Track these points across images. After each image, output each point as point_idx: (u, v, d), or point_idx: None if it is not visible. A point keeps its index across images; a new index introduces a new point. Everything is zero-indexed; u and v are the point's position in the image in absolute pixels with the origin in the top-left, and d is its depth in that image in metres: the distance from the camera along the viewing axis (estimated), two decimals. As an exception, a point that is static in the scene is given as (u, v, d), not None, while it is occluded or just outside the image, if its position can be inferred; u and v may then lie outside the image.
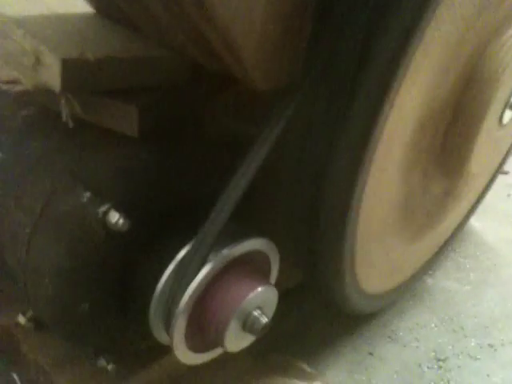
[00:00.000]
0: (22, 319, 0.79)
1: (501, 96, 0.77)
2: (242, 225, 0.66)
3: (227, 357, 0.88)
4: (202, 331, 0.64)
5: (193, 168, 0.65)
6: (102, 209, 0.58)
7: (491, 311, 1.08)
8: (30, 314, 0.79)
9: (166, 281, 0.61)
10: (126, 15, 0.69)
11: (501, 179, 1.24)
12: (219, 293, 0.62)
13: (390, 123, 0.64)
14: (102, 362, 0.68)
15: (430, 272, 1.16)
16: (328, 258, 0.74)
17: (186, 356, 0.64)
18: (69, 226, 0.59)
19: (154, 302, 0.62)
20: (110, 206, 0.58)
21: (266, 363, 0.90)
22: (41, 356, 0.77)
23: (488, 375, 0.94)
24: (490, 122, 0.79)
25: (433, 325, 1.04)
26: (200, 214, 0.62)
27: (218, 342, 0.63)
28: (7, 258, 0.66)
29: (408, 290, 1.08)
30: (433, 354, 0.97)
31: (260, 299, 0.64)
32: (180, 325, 0.61)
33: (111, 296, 0.63)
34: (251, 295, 0.62)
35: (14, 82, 0.64)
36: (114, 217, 0.57)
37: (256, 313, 0.63)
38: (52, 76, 0.60)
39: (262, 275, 0.66)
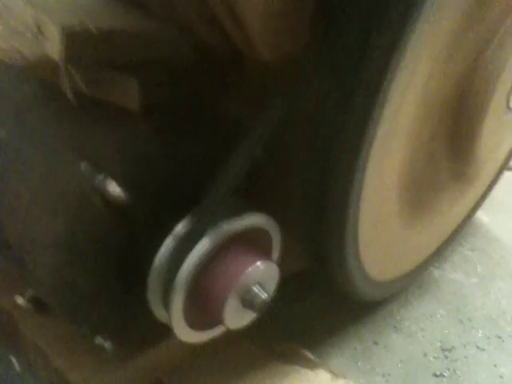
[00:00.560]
0: (20, 300, 0.78)
1: (506, 78, 0.76)
2: (243, 201, 0.65)
3: (230, 343, 0.88)
4: (202, 308, 0.62)
5: (194, 144, 0.64)
6: (100, 179, 0.57)
7: (499, 303, 1.06)
8: (28, 295, 0.78)
9: (163, 255, 0.60)
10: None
11: (509, 174, 1.23)
12: (218, 267, 0.61)
13: (394, 103, 0.64)
14: (99, 340, 0.67)
15: (437, 264, 1.14)
16: (331, 240, 0.73)
17: (184, 333, 0.63)
18: (66, 196, 0.59)
19: (151, 277, 0.61)
20: (108, 176, 0.57)
21: (269, 350, 0.88)
22: (39, 337, 0.76)
23: (495, 365, 0.92)
24: (496, 103, 0.78)
25: (439, 315, 1.02)
26: (200, 189, 0.61)
27: (217, 318, 0.62)
28: (7, 234, 0.65)
29: (415, 281, 1.06)
30: (439, 344, 0.95)
31: (260, 275, 0.63)
32: (178, 300, 0.60)
33: (110, 270, 0.62)
34: (250, 270, 0.61)
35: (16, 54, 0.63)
36: (112, 187, 0.56)
37: (256, 288, 0.62)
38: (53, 46, 0.59)
39: (263, 252, 0.64)
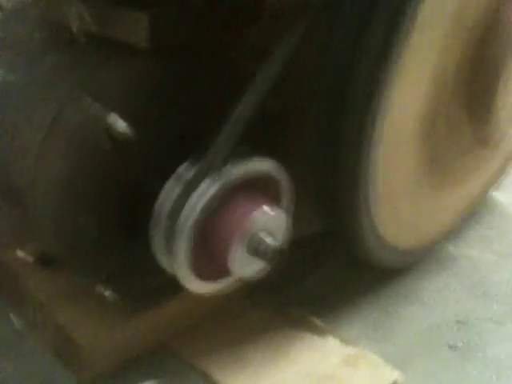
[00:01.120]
0: (21, 253, 0.76)
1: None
2: (251, 148, 0.63)
3: (239, 309, 0.86)
4: (207, 254, 0.60)
5: (203, 86, 0.62)
6: (108, 117, 0.55)
7: (516, 280, 1.02)
8: (31, 248, 0.76)
9: (166, 196, 0.58)
10: None
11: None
12: (222, 211, 0.58)
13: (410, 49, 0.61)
14: (100, 288, 0.64)
15: (453, 242, 1.10)
16: (343, 196, 0.70)
17: (190, 281, 0.61)
18: (76, 136, 0.58)
19: (153, 220, 0.59)
20: (116, 114, 0.55)
21: (276, 316, 0.86)
22: (40, 292, 0.74)
23: (511, 339, 0.88)
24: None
25: (454, 289, 0.98)
26: (206, 132, 0.59)
27: (223, 265, 0.59)
28: (14, 178, 0.64)
29: (431, 255, 1.03)
30: (453, 316, 0.92)
31: (267, 221, 0.60)
32: (181, 244, 0.57)
33: (117, 213, 0.60)
34: (256, 214, 0.58)
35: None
36: (120, 124, 0.55)
37: (262, 235, 0.59)
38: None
39: (271, 198, 0.62)
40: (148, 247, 0.61)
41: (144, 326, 0.74)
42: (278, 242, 0.60)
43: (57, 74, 0.62)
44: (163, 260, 0.61)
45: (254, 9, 0.68)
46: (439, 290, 0.98)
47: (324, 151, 0.66)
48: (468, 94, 0.75)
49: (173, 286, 0.64)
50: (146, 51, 0.58)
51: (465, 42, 0.72)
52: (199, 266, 0.60)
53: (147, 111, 0.57)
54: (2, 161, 0.64)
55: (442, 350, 0.84)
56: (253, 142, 0.65)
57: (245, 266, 0.60)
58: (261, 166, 0.61)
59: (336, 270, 0.97)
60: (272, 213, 0.61)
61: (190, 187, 0.57)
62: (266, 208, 0.60)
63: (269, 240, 0.59)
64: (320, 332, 0.83)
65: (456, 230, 1.09)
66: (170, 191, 0.58)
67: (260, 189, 0.62)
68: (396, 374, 0.77)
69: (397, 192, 0.77)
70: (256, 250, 0.59)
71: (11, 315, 0.81)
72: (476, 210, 1.15)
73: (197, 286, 0.62)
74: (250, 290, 0.88)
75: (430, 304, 0.94)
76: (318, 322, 0.85)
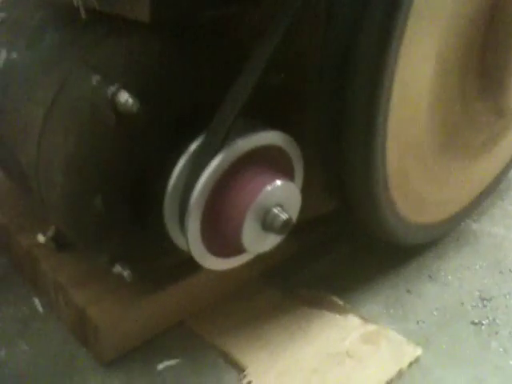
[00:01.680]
0: (41, 238, 0.77)
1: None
2: (260, 121, 0.62)
3: (254, 289, 0.86)
4: (220, 230, 0.60)
5: (208, 59, 0.61)
6: (111, 89, 0.55)
7: (541, 256, 0.99)
8: (50, 232, 0.77)
9: (178, 174, 0.58)
10: None
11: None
12: (234, 186, 0.58)
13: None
14: (117, 268, 0.65)
15: (475, 218, 1.08)
16: (361, 171, 0.69)
17: (204, 258, 0.61)
18: (79, 111, 0.57)
19: (166, 198, 0.59)
20: (119, 86, 0.55)
21: (296, 297, 0.85)
22: (60, 275, 0.75)
23: (543, 316, 0.86)
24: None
25: (478, 266, 0.96)
26: (214, 106, 0.58)
27: (236, 241, 0.59)
28: (21, 157, 0.64)
29: (452, 231, 1.01)
30: (477, 293, 0.90)
31: (280, 196, 0.59)
32: (194, 220, 0.57)
33: (125, 191, 0.59)
34: (269, 188, 0.58)
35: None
36: (124, 97, 0.54)
37: (276, 210, 0.59)
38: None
39: (283, 172, 0.61)
40: (162, 226, 0.61)
41: (161, 305, 0.74)
42: (291, 214, 0.60)
43: (58, 50, 0.61)
44: (177, 238, 0.61)
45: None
46: (462, 267, 0.96)
47: (336, 124, 0.65)
48: (481, 66, 0.72)
49: (189, 265, 0.64)
50: (147, 26, 0.57)
51: (475, 15, 0.70)
52: (213, 242, 0.60)
53: (150, 85, 0.57)
54: (8, 143, 0.64)
55: (465, 328, 0.83)
56: (263, 116, 0.64)
57: (258, 242, 0.60)
58: (270, 138, 0.61)
59: (350, 249, 0.96)
60: (285, 187, 0.60)
61: (200, 163, 0.56)
62: (279, 182, 0.59)
63: (282, 214, 0.59)
64: (340, 310, 0.83)
65: (478, 208, 1.07)
66: (181, 168, 0.58)
67: (272, 163, 0.61)
68: (418, 351, 0.76)
69: (411, 166, 0.75)
70: (270, 224, 0.58)
71: (34, 299, 0.82)
72: (499, 187, 1.13)
73: (211, 262, 0.61)
74: (268, 270, 0.88)
75: (452, 282, 0.92)
76: (337, 300, 0.85)
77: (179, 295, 0.76)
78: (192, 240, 0.58)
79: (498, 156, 0.97)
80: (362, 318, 0.81)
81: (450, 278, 0.93)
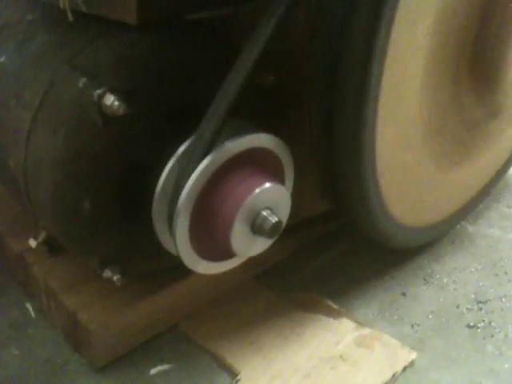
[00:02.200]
0: (32, 243, 0.77)
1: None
2: (250, 123, 0.62)
3: (250, 292, 0.85)
4: (209, 234, 0.59)
5: (196, 59, 0.61)
6: (98, 92, 0.54)
7: (538, 258, 0.98)
8: (42, 237, 0.77)
9: (166, 176, 0.57)
10: None
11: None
12: (224, 189, 0.57)
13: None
14: (107, 273, 0.64)
15: (471, 220, 1.07)
16: (352, 170, 0.68)
17: (193, 262, 0.60)
18: (65, 113, 0.57)
19: (155, 201, 0.58)
20: (106, 89, 0.54)
21: (290, 300, 0.84)
22: (51, 279, 0.75)
23: (535, 318, 0.85)
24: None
25: (473, 269, 0.96)
26: (205, 108, 0.58)
27: (225, 244, 0.58)
28: (10, 161, 0.63)
29: (446, 234, 1.00)
30: (473, 296, 0.89)
31: (269, 199, 0.59)
32: (182, 223, 0.57)
33: (114, 194, 0.59)
34: (258, 191, 0.57)
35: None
36: (110, 99, 0.54)
37: (265, 213, 0.58)
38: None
39: (273, 175, 0.61)
40: (152, 229, 0.61)
41: (153, 308, 0.73)
42: (280, 217, 0.59)
43: (47, 52, 0.61)
44: (166, 242, 0.61)
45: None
46: (457, 270, 0.95)
47: (325, 123, 0.64)
48: (474, 62, 0.71)
49: (182, 268, 0.64)
50: (135, 28, 0.57)
51: (466, 10, 0.69)
52: (202, 246, 0.59)
53: (137, 87, 0.56)
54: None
55: (461, 331, 0.82)
56: (256, 118, 0.64)
57: (248, 245, 0.59)
58: (260, 141, 0.60)
59: (344, 251, 0.96)
60: (275, 190, 0.59)
61: (188, 166, 0.56)
62: (268, 185, 0.59)
63: (271, 217, 0.58)
64: (334, 314, 0.82)
65: (473, 210, 1.06)
66: (169, 171, 0.57)
67: (262, 165, 0.61)
68: (413, 355, 0.76)
69: (402, 168, 0.74)
70: (259, 227, 0.58)
71: (27, 304, 0.82)
72: (495, 189, 1.13)
73: (201, 267, 0.61)
74: (261, 273, 0.88)
75: (448, 285, 0.92)
76: (331, 303, 0.84)
77: (172, 299, 0.76)
78: (180, 244, 0.57)
79: (493, 158, 0.97)
80: (356, 321, 0.81)
81: (445, 280, 0.93)
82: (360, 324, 0.80)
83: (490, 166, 0.98)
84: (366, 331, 0.79)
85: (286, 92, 0.69)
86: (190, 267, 0.60)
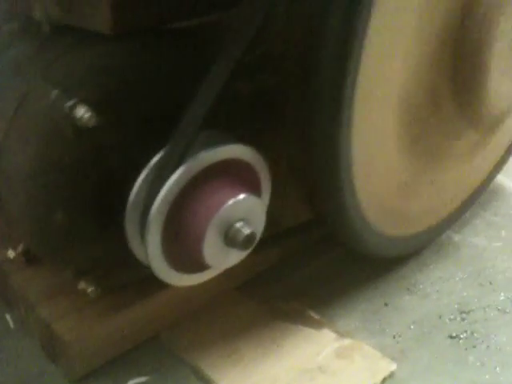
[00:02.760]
0: (11, 253, 0.76)
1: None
2: (225, 133, 0.62)
3: (231, 301, 0.85)
4: (182, 247, 0.59)
5: (170, 69, 0.60)
6: (69, 103, 0.54)
7: (524, 267, 0.98)
8: (21, 248, 0.76)
9: (139, 188, 0.57)
10: None
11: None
12: (196, 200, 0.57)
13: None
14: (82, 285, 0.64)
15: (457, 229, 1.07)
16: (327, 177, 0.67)
17: (165, 273, 0.60)
18: (37, 125, 0.57)
19: (128, 212, 0.58)
20: (77, 100, 0.54)
21: (270, 309, 0.84)
22: (28, 290, 0.74)
23: (518, 328, 0.85)
24: (503, 37, 0.71)
25: (457, 279, 0.95)
26: (177, 119, 0.58)
27: (198, 256, 0.58)
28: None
29: (428, 244, 1.00)
30: (456, 306, 0.89)
31: (243, 210, 0.59)
32: (154, 234, 0.56)
33: (86, 205, 0.59)
34: (231, 203, 0.57)
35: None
36: (80, 111, 0.54)
37: (238, 224, 0.58)
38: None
39: (248, 186, 0.60)
40: (125, 240, 0.60)
41: (132, 319, 0.73)
42: (255, 229, 0.59)
43: (22, 63, 0.61)
44: (139, 253, 0.60)
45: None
46: (441, 279, 0.95)
47: (301, 129, 0.64)
48: (453, 70, 0.71)
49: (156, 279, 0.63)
50: (110, 38, 0.57)
51: (444, 18, 0.68)
52: (176, 258, 0.59)
53: (110, 98, 0.56)
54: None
55: (442, 341, 0.82)
56: (233, 128, 0.64)
57: (221, 257, 0.59)
58: (234, 152, 0.60)
59: (328, 261, 0.95)
60: (249, 201, 0.59)
61: (160, 177, 0.56)
62: (242, 196, 0.58)
63: (245, 229, 0.58)
64: (315, 325, 0.82)
65: (458, 219, 1.05)
66: (142, 182, 0.57)
67: (237, 177, 0.61)
68: (393, 367, 0.75)
69: (379, 173, 0.73)
70: (232, 239, 0.58)
71: (7, 316, 0.81)
72: (483, 197, 1.12)
73: (174, 278, 0.60)
74: (243, 283, 0.87)
75: (431, 294, 0.91)
76: (313, 314, 0.84)
77: (151, 309, 0.75)
78: (152, 255, 0.57)
79: (478, 167, 0.96)
80: (337, 332, 0.80)
81: (428, 290, 0.92)
82: (341, 335, 0.80)
83: (474, 176, 0.98)
84: (347, 342, 0.79)
85: (265, 100, 0.69)
86: (162, 279, 0.59)
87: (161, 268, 0.58)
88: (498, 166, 1.05)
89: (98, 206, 0.59)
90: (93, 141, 0.56)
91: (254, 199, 0.60)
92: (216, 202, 0.57)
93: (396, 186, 0.77)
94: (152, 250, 0.56)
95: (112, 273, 0.67)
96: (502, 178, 1.17)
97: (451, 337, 0.83)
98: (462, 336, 0.83)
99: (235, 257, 0.61)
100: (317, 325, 0.82)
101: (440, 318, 0.87)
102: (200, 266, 0.60)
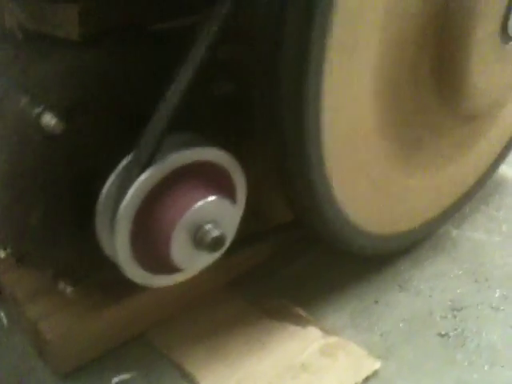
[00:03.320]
0: (2, 253, 0.78)
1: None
2: (198, 135, 0.62)
3: (219, 299, 0.85)
4: (151, 247, 0.59)
5: (137, 73, 0.61)
6: (37, 111, 0.55)
7: (522, 262, 0.96)
8: (10, 248, 0.78)
9: (107, 190, 0.58)
10: None
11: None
12: (164, 202, 0.58)
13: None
14: (61, 286, 0.65)
15: (456, 223, 1.05)
16: (300, 171, 0.66)
17: (133, 272, 0.60)
18: (8, 132, 0.58)
19: (98, 214, 0.59)
20: (45, 107, 0.55)
21: (259, 307, 0.84)
22: (17, 289, 0.76)
23: (511, 326, 0.83)
24: (484, 31, 0.69)
25: (453, 275, 0.94)
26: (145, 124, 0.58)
27: (166, 257, 0.59)
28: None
29: (424, 239, 0.99)
30: (449, 303, 0.87)
31: (214, 212, 0.59)
32: (122, 234, 0.57)
33: (59, 208, 0.60)
34: (200, 204, 0.57)
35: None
36: (47, 118, 0.55)
37: (207, 226, 0.58)
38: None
39: (219, 188, 0.60)
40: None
41: (115, 318, 0.74)
42: (225, 232, 0.59)
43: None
44: (110, 254, 0.61)
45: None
46: (436, 276, 0.93)
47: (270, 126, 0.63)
48: (435, 63, 0.69)
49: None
50: (79, 44, 0.58)
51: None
52: (145, 259, 0.60)
53: (78, 103, 0.57)
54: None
55: (431, 339, 0.81)
56: (208, 129, 0.64)
57: (191, 259, 0.60)
58: (205, 154, 0.60)
59: (319, 257, 0.94)
60: (219, 203, 0.59)
61: (128, 178, 0.57)
62: (211, 198, 0.59)
63: (213, 232, 0.58)
64: (302, 322, 0.82)
65: (452, 216, 1.03)
66: (111, 185, 0.58)
67: (208, 179, 0.61)
68: (376, 365, 0.75)
69: (355, 167, 0.72)
70: (200, 241, 0.58)
71: (1, 313, 0.84)
72: (484, 190, 1.10)
73: (145, 279, 0.61)
74: (229, 280, 0.88)
75: (424, 291, 0.90)
76: (300, 311, 0.84)
77: (137, 307, 0.77)
78: (121, 256, 0.58)
79: (469, 166, 0.94)
80: (324, 329, 0.80)
81: (421, 287, 0.91)
82: (327, 332, 0.80)
83: (469, 172, 0.96)
84: (333, 340, 0.79)
85: (241, 101, 0.69)
86: (132, 279, 0.60)
87: (130, 268, 0.59)
88: (496, 164, 1.03)
89: (71, 209, 0.61)
90: (62, 146, 0.57)
91: (224, 202, 0.60)
92: (184, 203, 0.58)
93: (379, 183, 0.76)
94: (121, 251, 0.57)
95: (91, 273, 0.68)
96: (505, 169, 1.14)
97: (440, 335, 0.82)
98: (451, 334, 0.82)
99: (205, 259, 0.61)
100: (303, 322, 0.82)
101: (431, 315, 0.86)
102: (170, 267, 0.60)
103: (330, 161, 0.66)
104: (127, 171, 0.58)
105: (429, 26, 0.68)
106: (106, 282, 0.73)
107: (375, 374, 0.74)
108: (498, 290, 0.90)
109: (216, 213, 0.59)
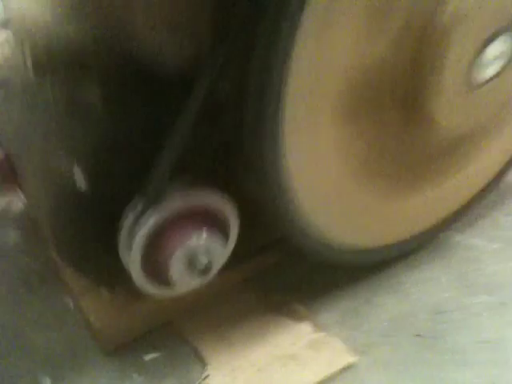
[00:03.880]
0: (63, 256, 1.00)
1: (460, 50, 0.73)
2: (196, 180, 0.77)
3: (233, 292, 1.01)
4: (156, 267, 0.77)
5: (144, 127, 0.76)
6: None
7: (514, 271, 1.03)
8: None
9: (126, 227, 0.76)
10: None
11: None
12: (166, 236, 0.75)
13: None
14: (102, 290, 0.86)
15: (460, 229, 1.12)
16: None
17: (144, 285, 0.78)
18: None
19: (120, 244, 0.78)
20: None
21: (266, 303, 1.00)
22: (73, 284, 0.98)
23: (485, 331, 0.92)
24: (452, 79, 0.75)
25: (444, 280, 1.03)
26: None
27: (166, 276, 0.76)
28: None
29: (431, 243, 1.07)
30: (433, 306, 0.97)
31: (205, 245, 0.75)
32: (135, 259, 0.75)
33: (100, 239, 0.79)
34: (193, 239, 0.74)
35: None
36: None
37: (199, 257, 0.75)
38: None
39: (214, 225, 0.76)
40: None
41: (148, 309, 0.93)
42: (213, 262, 0.76)
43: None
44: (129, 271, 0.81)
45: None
46: (428, 280, 1.02)
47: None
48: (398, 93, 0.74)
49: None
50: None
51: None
52: (153, 275, 0.78)
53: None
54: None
55: (407, 339, 0.92)
56: (206, 173, 0.80)
57: (186, 280, 0.77)
58: (202, 199, 0.76)
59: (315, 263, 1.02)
60: (213, 237, 0.76)
61: (140, 217, 0.74)
62: (205, 233, 0.75)
63: (204, 260, 0.75)
64: (298, 317, 0.96)
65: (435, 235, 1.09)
66: (128, 223, 0.76)
67: (206, 216, 0.77)
68: (352, 359, 0.89)
69: (324, 185, 0.79)
70: (193, 268, 0.75)
71: (67, 298, 1.06)
72: (491, 198, 1.15)
73: (153, 291, 0.80)
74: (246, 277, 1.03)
75: (413, 294, 1.00)
76: (299, 307, 0.98)
77: (163, 302, 0.96)
78: (135, 274, 0.76)
79: (464, 182, 1.00)
80: (316, 325, 0.95)
81: (412, 290, 1.01)
82: (318, 327, 0.95)
83: (459, 192, 1.02)
84: (321, 335, 0.93)
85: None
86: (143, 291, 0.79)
87: (141, 283, 0.78)
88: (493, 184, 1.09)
89: (103, 234, 0.80)
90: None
91: (217, 236, 0.76)
92: (182, 237, 0.75)
93: (350, 200, 0.84)
94: (134, 271, 0.76)
95: (122, 282, 0.88)
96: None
97: (418, 335, 0.93)
98: (428, 335, 0.93)
99: (198, 281, 0.79)
100: (300, 317, 0.97)
101: (415, 316, 0.96)
102: (169, 283, 0.79)
103: (293, 180, 0.74)
104: (140, 211, 0.75)
105: (397, 73, 0.74)
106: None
107: (351, 366, 0.89)
108: (484, 297, 0.98)
109: (209, 246, 0.76)
